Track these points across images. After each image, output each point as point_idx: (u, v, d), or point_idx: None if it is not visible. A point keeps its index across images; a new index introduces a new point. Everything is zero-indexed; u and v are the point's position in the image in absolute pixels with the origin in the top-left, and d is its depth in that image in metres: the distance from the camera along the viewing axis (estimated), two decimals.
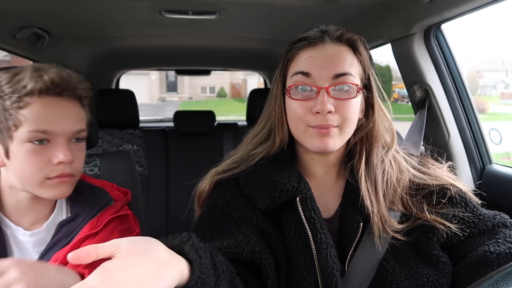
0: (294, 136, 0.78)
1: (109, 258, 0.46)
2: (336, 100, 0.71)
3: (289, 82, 0.76)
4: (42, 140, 0.77)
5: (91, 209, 0.88)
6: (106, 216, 0.87)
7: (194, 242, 0.54)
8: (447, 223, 0.72)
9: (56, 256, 0.80)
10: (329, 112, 0.70)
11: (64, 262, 0.78)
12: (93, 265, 0.46)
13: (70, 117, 0.81)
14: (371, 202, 0.73)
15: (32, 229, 0.84)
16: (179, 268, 0.49)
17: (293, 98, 0.74)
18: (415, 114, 1.37)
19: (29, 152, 0.76)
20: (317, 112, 0.70)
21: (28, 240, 0.83)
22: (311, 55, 0.73)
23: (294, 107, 0.74)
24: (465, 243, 0.73)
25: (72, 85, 0.81)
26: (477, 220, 0.74)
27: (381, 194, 0.74)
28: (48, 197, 0.81)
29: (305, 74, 0.72)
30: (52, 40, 1.60)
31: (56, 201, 0.90)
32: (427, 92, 1.35)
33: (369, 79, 0.78)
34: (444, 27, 1.30)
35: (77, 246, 0.82)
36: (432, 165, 0.85)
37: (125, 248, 0.47)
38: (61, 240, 0.82)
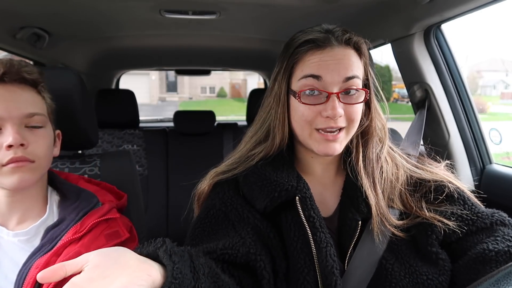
0: (299, 137, 0.78)
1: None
2: (345, 104, 0.72)
3: (296, 85, 0.74)
4: None
5: (76, 212, 0.86)
6: (91, 220, 0.84)
7: (168, 247, 0.54)
8: (445, 221, 0.73)
9: (37, 264, 0.77)
10: (340, 116, 0.71)
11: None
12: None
13: (17, 101, 0.79)
14: (370, 193, 0.74)
15: (16, 230, 0.83)
16: (147, 274, 0.49)
17: (303, 103, 0.73)
18: (415, 114, 1.37)
19: None
20: (327, 117, 0.71)
21: (12, 240, 0.81)
22: (321, 58, 0.72)
23: (302, 110, 0.73)
24: (463, 241, 0.74)
25: (13, 68, 0.80)
26: (475, 218, 0.75)
27: (379, 187, 0.76)
28: (10, 187, 0.79)
29: (316, 77, 0.72)
30: (52, 40, 1.60)
31: (46, 204, 0.88)
32: (427, 92, 1.36)
33: (367, 78, 0.78)
34: (444, 27, 1.30)
35: (59, 252, 0.79)
36: (430, 164, 0.85)
37: (93, 260, 0.47)
38: (44, 246, 0.80)
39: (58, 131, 0.93)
